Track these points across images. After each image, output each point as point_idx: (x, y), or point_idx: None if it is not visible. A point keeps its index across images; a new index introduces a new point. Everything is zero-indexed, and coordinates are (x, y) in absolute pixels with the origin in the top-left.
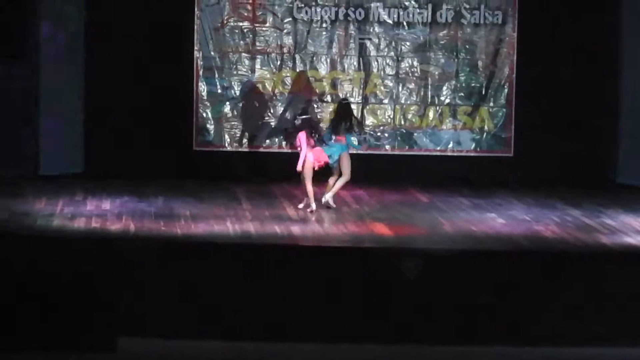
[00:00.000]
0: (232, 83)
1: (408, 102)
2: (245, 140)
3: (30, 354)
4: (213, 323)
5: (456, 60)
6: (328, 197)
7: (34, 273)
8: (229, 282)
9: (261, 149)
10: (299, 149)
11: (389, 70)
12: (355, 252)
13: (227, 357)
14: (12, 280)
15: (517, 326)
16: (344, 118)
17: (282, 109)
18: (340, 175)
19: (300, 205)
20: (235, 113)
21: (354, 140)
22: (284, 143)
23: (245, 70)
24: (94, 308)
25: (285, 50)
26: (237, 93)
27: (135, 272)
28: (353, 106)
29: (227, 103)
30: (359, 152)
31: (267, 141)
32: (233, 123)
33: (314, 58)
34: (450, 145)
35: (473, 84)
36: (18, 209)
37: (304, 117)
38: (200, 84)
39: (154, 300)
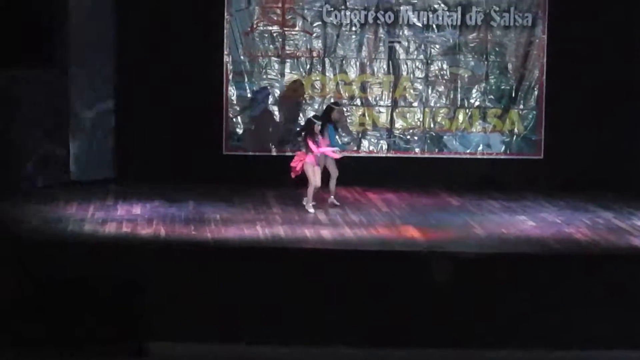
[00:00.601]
0: (262, 86)
1: (437, 105)
2: (274, 145)
3: (59, 358)
4: (244, 327)
5: (486, 62)
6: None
7: (65, 278)
8: (259, 286)
9: (291, 153)
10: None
11: (418, 73)
12: (386, 256)
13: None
14: (44, 285)
15: (548, 329)
16: (328, 120)
17: (311, 112)
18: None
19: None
20: (265, 117)
21: (338, 139)
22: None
23: (274, 74)
24: (124, 312)
25: (314, 54)
26: (267, 97)
27: (165, 276)
28: (382, 109)
29: (257, 107)
30: (389, 155)
31: (297, 145)
32: (263, 127)
33: (344, 62)
34: (480, 148)
35: (503, 87)
36: (50, 215)
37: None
38: (230, 88)
39: (185, 304)
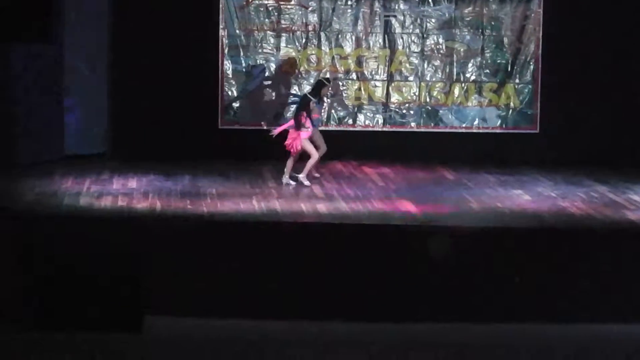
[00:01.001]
0: (258, 61)
1: (433, 79)
2: (271, 118)
3: (57, 333)
4: (241, 301)
5: (482, 37)
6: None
7: (60, 252)
8: (256, 260)
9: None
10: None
11: (414, 48)
12: (382, 230)
13: (253, 335)
14: (39, 259)
15: (543, 303)
16: (317, 95)
17: (307, 87)
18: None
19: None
20: (261, 91)
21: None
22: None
23: (270, 48)
24: (121, 287)
25: (310, 28)
26: (263, 72)
27: (161, 250)
28: (378, 84)
29: (253, 81)
30: (385, 129)
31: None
32: (258, 101)
33: (339, 36)
34: (476, 122)
35: (499, 61)
36: (45, 189)
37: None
38: (225, 62)
39: (180, 279)
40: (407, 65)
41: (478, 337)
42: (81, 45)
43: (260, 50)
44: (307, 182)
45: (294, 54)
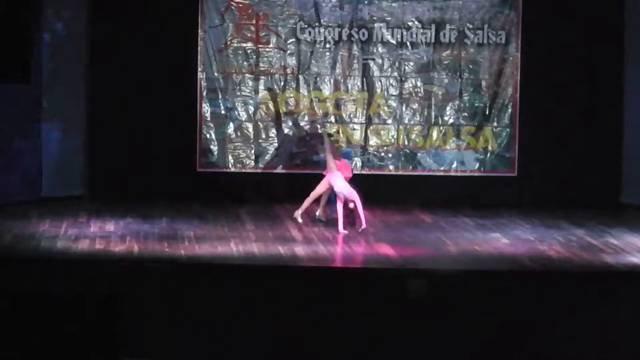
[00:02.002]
0: (236, 104)
1: (412, 122)
2: (249, 162)
3: None
4: (218, 344)
5: (460, 80)
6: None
7: (37, 295)
8: (233, 303)
9: (265, 170)
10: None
11: (392, 91)
12: (360, 273)
13: None
14: (16, 302)
15: (522, 345)
16: None
17: (286, 130)
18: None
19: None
20: (239, 134)
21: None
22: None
23: (248, 91)
24: (98, 330)
25: (288, 70)
26: (241, 114)
27: (138, 293)
28: (356, 126)
29: (231, 124)
30: (363, 172)
31: (271, 162)
32: (237, 144)
33: (318, 78)
34: (454, 166)
35: (477, 104)
36: (22, 231)
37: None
38: (203, 105)
39: (159, 322)
40: (386, 108)
41: None
42: (59, 86)
43: (238, 93)
44: (300, 220)
45: (272, 96)
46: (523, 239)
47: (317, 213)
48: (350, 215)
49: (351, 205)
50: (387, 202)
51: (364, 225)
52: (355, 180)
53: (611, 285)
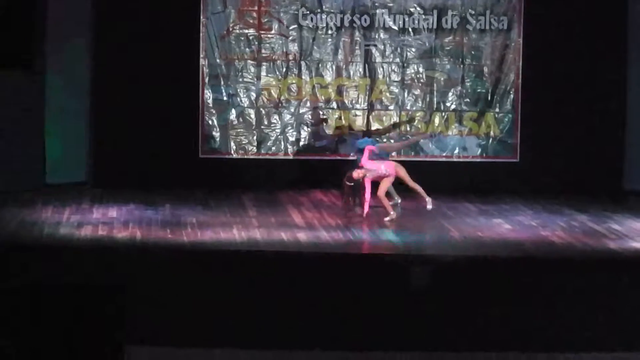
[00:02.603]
0: (238, 90)
1: (414, 108)
2: (251, 148)
3: None
4: (221, 331)
5: (462, 66)
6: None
7: (41, 282)
8: (236, 289)
9: (267, 156)
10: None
11: (394, 77)
12: (363, 259)
13: None
14: (20, 289)
15: (525, 332)
16: None
17: (288, 115)
18: None
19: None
20: (242, 120)
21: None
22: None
23: (250, 77)
24: (101, 316)
25: (290, 57)
26: (243, 100)
27: (142, 280)
28: (358, 113)
29: (233, 110)
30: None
31: (273, 148)
32: (239, 130)
33: (320, 65)
34: (456, 151)
35: (479, 90)
36: (25, 219)
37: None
38: (206, 91)
39: (162, 309)
40: (388, 94)
41: None
42: (62, 73)
43: (240, 80)
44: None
45: (274, 82)
46: (526, 225)
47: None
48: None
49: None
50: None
51: (364, 212)
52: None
53: (614, 271)
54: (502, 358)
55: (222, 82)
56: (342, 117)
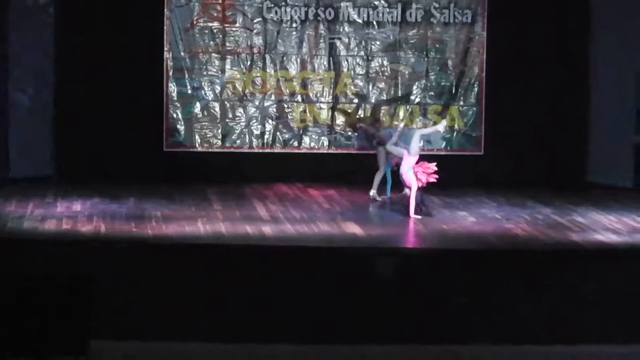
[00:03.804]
0: (203, 84)
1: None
2: (216, 141)
3: None
4: (185, 324)
5: (426, 59)
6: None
7: (3, 276)
8: (201, 283)
9: (232, 149)
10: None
11: (359, 70)
12: (328, 252)
13: (199, 358)
14: None
15: (488, 324)
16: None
17: (253, 108)
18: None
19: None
20: (206, 113)
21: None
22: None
23: (215, 70)
24: (64, 310)
25: (255, 50)
26: (208, 93)
27: (106, 273)
28: (323, 106)
29: (198, 104)
30: (330, 151)
31: (238, 141)
32: (204, 123)
33: (284, 58)
34: (420, 144)
35: (443, 83)
36: None
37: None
38: (170, 84)
39: (126, 302)
40: (352, 87)
41: (420, 358)
42: (25, 67)
43: (205, 73)
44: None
45: (238, 76)
46: (490, 218)
47: (371, 193)
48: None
49: (406, 191)
50: (354, 181)
51: (410, 215)
52: (322, 160)
53: (577, 263)
54: (465, 350)
55: (187, 75)
56: (307, 110)
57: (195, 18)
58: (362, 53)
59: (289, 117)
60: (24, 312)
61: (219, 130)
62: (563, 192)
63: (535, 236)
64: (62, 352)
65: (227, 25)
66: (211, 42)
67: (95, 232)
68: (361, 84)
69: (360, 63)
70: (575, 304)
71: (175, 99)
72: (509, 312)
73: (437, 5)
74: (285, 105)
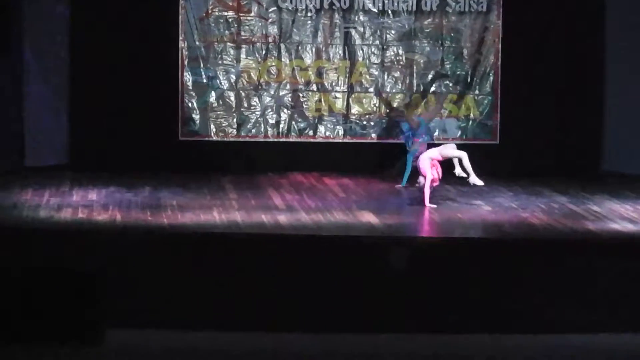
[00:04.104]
0: (218, 73)
1: (393, 90)
2: (231, 130)
3: (15, 347)
4: (201, 313)
5: (441, 48)
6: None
7: (20, 265)
8: (216, 272)
9: (247, 139)
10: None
11: (374, 59)
12: (344, 241)
13: (215, 348)
14: None
15: (504, 313)
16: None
17: (268, 98)
18: None
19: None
20: (221, 103)
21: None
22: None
23: (230, 60)
24: (80, 300)
25: (270, 39)
26: (223, 83)
27: (122, 262)
28: (338, 95)
29: (213, 93)
30: (345, 140)
31: (253, 130)
32: (219, 113)
33: (299, 47)
34: (436, 134)
35: (458, 72)
36: (4, 201)
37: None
38: (185, 74)
39: (142, 291)
40: (367, 76)
41: (436, 347)
42: (41, 57)
43: (220, 62)
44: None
45: (253, 65)
46: (505, 207)
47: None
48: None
49: (421, 180)
50: (370, 170)
51: (425, 204)
52: (338, 149)
53: (593, 252)
54: (480, 340)
55: (202, 65)
56: (322, 100)
57: (210, 7)
58: (377, 42)
59: (304, 106)
60: (39, 301)
61: (234, 120)
62: (578, 181)
63: (551, 225)
64: (78, 342)
65: (242, 14)
66: (226, 32)
67: (111, 221)
68: (376, 73)
69: (375, 52)
70: (591, 293)
71: (191, 88)
72: (524, 302)
73: None
74: (300, 95)
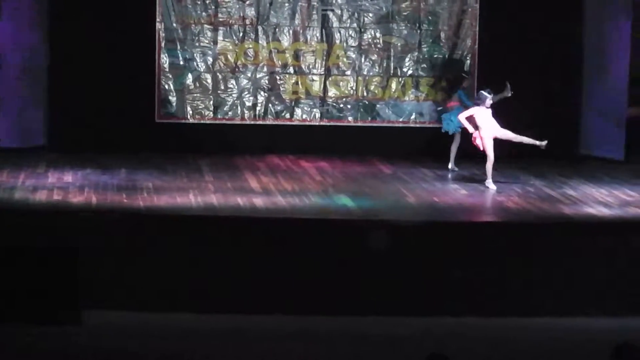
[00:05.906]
0: (195, 55)
1: (371, 73)
2: (207, 112)
3: None
4: (176, 294)
5: (419, 31)
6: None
7: None
8: (192, 254)
9: (224, 121)
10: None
11: (351, 42)
12: (319, 224)
13: (190, 328)
14: None
15: (480, 295)
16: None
17: (245, 80)
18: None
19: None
20: (198, 85)
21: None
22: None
23: (207, 42)
24: (57, 281)
25: (247, 21)
26: (200, 65)
27: (98, 244)
28: (315, 78)
29: (190, 75)
30: (322, 123)
31: (230, 113)
32: (196, 95)
33: (277, 29)
34: (413, 117)
35: (436, 56)
36: None
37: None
38: (162, 55)
39: (117, 273)
40: (345, 59)
41: (412, 329)
42: (17, 38)
43: (197, 44)
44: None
45: (231, 47)
46: (481, 190)
47: (450, 165)
48: None
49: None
50: (346, 153)
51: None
52: (315, 131)
53: (568, 236)
54: (456, 322)
55: (179, 47)
56: (299, 82)
57: None
58: (355, 25)
59: (281, 88)
60: (16, 281)
61: (211, 102)
62: (555, 165)
63: (526, 209)
64: (55, 321)
65: None
66: (203, 13)
67: (87, 203)
68: (354, 56)
69: (352, 35)
70: (566, 276)
71: (167, 70)
72: (499, 284)
73: None
74: (278, 77)
